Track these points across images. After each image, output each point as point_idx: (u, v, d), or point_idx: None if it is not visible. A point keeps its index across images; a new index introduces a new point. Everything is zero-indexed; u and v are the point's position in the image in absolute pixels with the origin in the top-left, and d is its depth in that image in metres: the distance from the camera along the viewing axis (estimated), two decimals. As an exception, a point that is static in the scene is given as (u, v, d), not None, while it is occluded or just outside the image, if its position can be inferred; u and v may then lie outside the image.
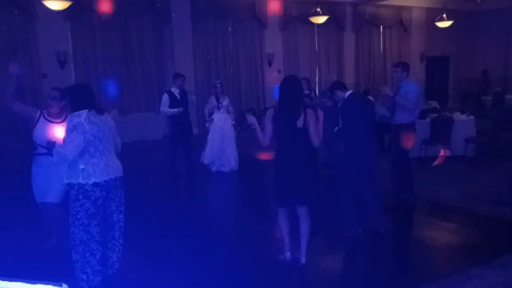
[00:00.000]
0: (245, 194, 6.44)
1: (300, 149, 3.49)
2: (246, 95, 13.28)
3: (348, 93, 4.30)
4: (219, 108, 7.29)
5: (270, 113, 3.53)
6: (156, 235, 4.56)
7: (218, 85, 7.31)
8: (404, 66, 5.39)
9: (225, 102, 7.32)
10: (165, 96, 6.72)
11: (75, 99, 3.17)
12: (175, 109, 6.62)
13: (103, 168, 3.11)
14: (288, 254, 3.74)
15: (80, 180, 3.04)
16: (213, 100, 7.36)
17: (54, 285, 1.02)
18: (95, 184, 3.07)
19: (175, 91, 6.76)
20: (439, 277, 3.46)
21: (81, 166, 3.05)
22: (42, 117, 3.77)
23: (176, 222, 5.08)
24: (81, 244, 3.09)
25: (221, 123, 7.32)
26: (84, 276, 3.12)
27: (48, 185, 3.73)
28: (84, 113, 3.07)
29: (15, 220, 4.86)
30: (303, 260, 3.69)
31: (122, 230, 3.39)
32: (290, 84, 3.53)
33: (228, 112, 7.41)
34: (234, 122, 7.58)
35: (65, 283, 1.04)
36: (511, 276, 3.40)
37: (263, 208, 5.39)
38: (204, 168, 7.38)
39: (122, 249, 3.40)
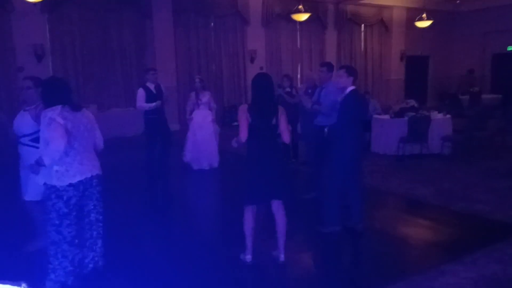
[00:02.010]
0: (225, 192, 6.41)
1: (274, 144, 3.54)
2: (228, 91, 13.24)
3: (350, 89, 4.26)
4: (199, 105, 7.19)
5: (243, 108, 3.49)
6: (134, 234, 4.51)
7: (197, 80, 7.18)
8: (330, 66, 5.27)
9: (205, 98, 7.17)
10: (141, 91, 6.55)
11: (48, 94, 3.07)
12: (153, 103, 6.50)
13: (77, 167, 3.03)
14: (249, 257, 3.68)
15: (54, 182, 2.96)
16: (193, 96, 7.26)
17: (13, 285, 0.99)
18: (69, 184, 2.99)
19: (150, 85, 6.62)
20: (412, 273, 3.52)
21: (55, 168, 2.96)
22: (21, 110, 3.69)
23: (154, 221, 5.03)
24: (53, 245, 3.03)
25: (200, 120, 7.20)
26: (53, 277, 3.06)
27: (26, 182, 3.62)
28: (57, 108, 2.98)
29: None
30: (282, 257, 3.70)
31: (101, 230, 3.32)
32: (264, 82, 3.53)
33: (209, 109, 7.26)
34: (213, 118, 7.38)
35: (25, 282, 1.02)
36: (481, 272, 3.49)
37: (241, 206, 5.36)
38: (185, 166, 7.32)
39: (102, 248, 3.34)
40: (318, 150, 5.14)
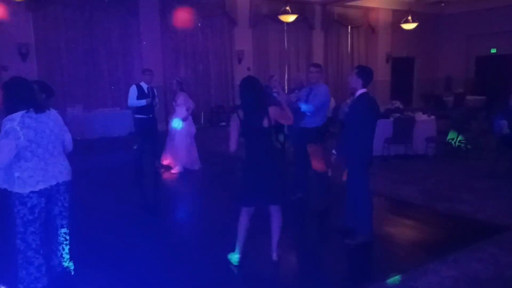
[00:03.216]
0: (208, 193, 6.35)
1: (269, 148, 3.55)
2: (215, 92, 13.24)
3: (360, 92, 4.04)
4: (174, 107, 7.08)
5: (235, 120, 3.50)
6: (113, 236, 4.46)
7: (174, 82, 7.06)
8: (322, 68, 5.25)
9: (179, 99, 6.99)
10: (133, 88, 6.58)
11: (9, 98, 2.84)
12: (143, 100, 6.51)
13: (40, 174, 2.90)
14: (237, 257, 3.68)
15: (16, 189, 2.85)
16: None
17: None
18: (32, 192, 2.88)
19: (144, 85, 6.66)
20: (395, 272, 3.58)
21: (16, 174, 2.84)
22: None
23: (138, 222, 5.00)
24: (20, 253, 2.95)
25: (175, 123, 7.08)
26: (24, 284, 3.00)
27: None
28: (18, 116, 2.79)
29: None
30: (274, 256, 3.73)
31: (67, 236, 3.24)
32: (252, 85, 3.55)
33: (186, 109, 7.03)
34: (185, 116, 7.03)
35: (5, 285, 1.02)
36: (463, 271, 3.56)
37: (225, 207, 5.35)
38: (165, 169, 7.27)
39: (68, 254, 3.27)
40: (303, 152, 5.18)
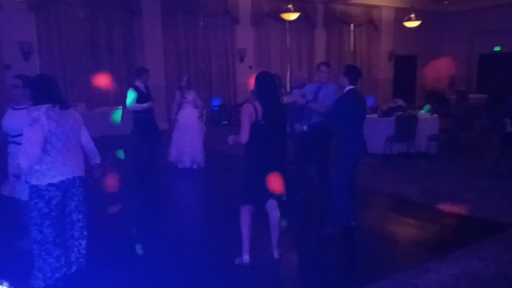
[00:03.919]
0: (213, 191, 6.39)
1: (275, 145, 3.55)
2: (217, 90, 13.23)
3: (347, 88, 4.31)
4: (184, 104, 7.14)
5: (249, 108, 3.36)
6: (121, 234, 4.49)
7: (185, 79, 7.14)
8: (330, 67, 5.26)
9: (190, 96, 7.12)
10: (131, 90, 6.55)
11: (36, 92, 3.03)
12: (145, 104, 6.49)
13: (59, 168, 3.01)
14: (246, 257, 3.61)
15: (34, 181, 2.95)
16: (178, 95, 7.18)
17: (-6, 284, 1.00)
18: (50, 184, 2.98)
19: (140, 85, 6.61)
20: (397, 270, 3.57)
21: (36, 167, 2.94)
22: (9, 109, 3.66)
23: (143, 221, 5.02)
24: (36, 244, 3.02)
25: (185, 119, 7.16)
26: (40, 275, 3.05)
27: (15, 179, 3.58)
28: (43, 107, 2.96)
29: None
30: (275, 254, 3.71)
31: (84, 231, 3.29)
32: (270, 80, 3.50)
33: (195, 107, 7.22)
34: (199, 115, 7.32)
35: (7, 281, 1.03)
36: (464, 269, 3.55)
37: (228, 206, 5.35)
38: (170, 165, 7.29)
39: (84, 249, 3.31)
40: (306, 150, 5.17)
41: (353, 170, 4.38)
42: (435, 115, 8.56)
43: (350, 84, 4.30)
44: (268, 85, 3.46)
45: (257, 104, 3.37)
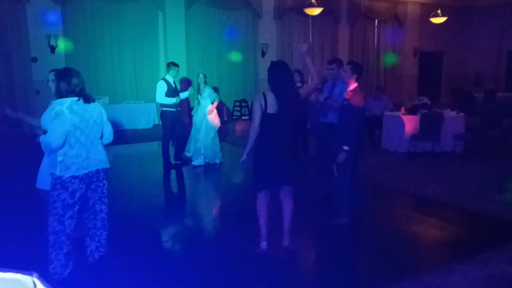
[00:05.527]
0: (231, 187, 6.37)
1: (288, 132, 3.51)
2: (238, 85, 13.21)
3: (356, 84, 4.34)
4: (200, 99, 7.15)
5: (260, 99, 3.41)
6: (142, 226, 4.54)
7: (201, 76, 7.12)
8: (340, 63, 5.18)
9: (205, 93, 7.11)
10: (162, 83, 6.63)
11: (61, 86, 3.05)
12: (174, 98, 6.57)
13: (83, 161, 3.04)
14: (264, 244, 3.65)
15: (58, 173, 2.98)
16: (194, 91, 7.18)
17: (24, 274, 1.01)
18: (74, 177, 3.01)
19: (170, 79, 6.70)
20: (422, 271, 3.49)
21: (59, 158, 2.98)
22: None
23: (164, 213, 5.07)
24: (54, 234, 3.04)
25: (200, 116, 7.15)
26: (51, 268, 3.08)
27: (41, 170, 3.65)
28: (67, 101, 2.98)
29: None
30: (285, 242, 3.71)
31: (106, 222, 3.32)
32: (285, 68, 3.50)
33: (211, 103, 7.16)
34: (213, 110, 7.18)
35: (36, 271, 1.03)
36: (492, 272, 3.45)
37: (243, 201, 5.34)
38: (188, 161, 7.31)
39: (105, 240, 3.34)
40: (326, 147, 5.12)
41: (354, 163, 4.41)
42: (461, 114, 8.35)
43: (357, 81, 4.36)
44: (280, 74, 3.46)
45: (269, 94, 3.41)
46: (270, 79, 3.49)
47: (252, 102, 12.84)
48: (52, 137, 2.91)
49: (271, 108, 3.39)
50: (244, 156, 3.54)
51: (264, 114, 3.40)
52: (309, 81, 3.92)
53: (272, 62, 3.56)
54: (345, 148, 4.21)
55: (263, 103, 3.39)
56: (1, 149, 7.57)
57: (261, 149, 3.52)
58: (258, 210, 3.64)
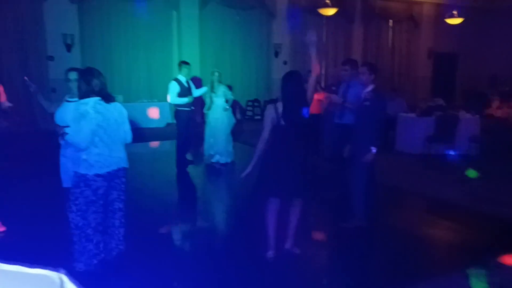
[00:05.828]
0: (243, 187, 6.37)
1: (300, 142, 3.49)
2: (251, 85, 13.21)
3: (372, 87, 4.28)
4: (214, 98, 7.16)
5: (271, 113, 3.41)
6: (156, 225, 4.58)
7: (217, 74, 7.13)
8: (354, 63, 5.11)
9: (219, 91, 7.12)
10: (174, 84, 6.64)
11: (84, 86, 3.09)
12: (186, 98, 6.58)
13: (105, 159, 3.10)
14: (270, 253, 3.63)
15: (81, 171, 3.04)
16: (208, 90, 7.19)
17: (52, 270, 1.03)
18: (97, 175, 3.07)
19: (182, 79, 6.71)
20: (436, 275, 3.47)
21: (84, 157, 3.04)
22: (64, 101, 3.77)
23: (177, 212, 5.10)
24: (77, 229, 3.10)
25: (215, 114, 7.16)
26: (82, 259, 3.15)
27: (65, 169, 3.71)
28: (91, 101, 3.04)
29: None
30: (287, 245, 3.72)
31: (123, 219, 3.38)
32: (296, 80, 3.49)
33: (226, 101, 7.18)
34: (228, 108, 7.22)
35: (63, 268, 1.05)
36: (508, 277, 3.41)
37: (254, 201, 5.33)
38: (203, 159, 7.35)
39: (123, 236, 3.40)
40: (341, 148, 5.10)
41: (370, 166, 4.31)
42: (477, 116, 8.24)
43: (374, 82, 4.27)
44: (292, 87, 3.44)
45: (280, 105, 3.41)
46: (283, 93, 3.46)
47: (263, 109, 12.85)
48: (80, 137, 2.97)
49: (282, 120, 3.40)
50: (249, 169, 3.47)
51: (276, 125, 3.40)
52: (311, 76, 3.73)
53: (285, 75, 3.52)
54: (373, 150, 4.14)
55: (275, 116, 3.39)
56: (17, 146, 7.68)
57: (272, 160, 3.49)
58: (268, 219, 3.62)
